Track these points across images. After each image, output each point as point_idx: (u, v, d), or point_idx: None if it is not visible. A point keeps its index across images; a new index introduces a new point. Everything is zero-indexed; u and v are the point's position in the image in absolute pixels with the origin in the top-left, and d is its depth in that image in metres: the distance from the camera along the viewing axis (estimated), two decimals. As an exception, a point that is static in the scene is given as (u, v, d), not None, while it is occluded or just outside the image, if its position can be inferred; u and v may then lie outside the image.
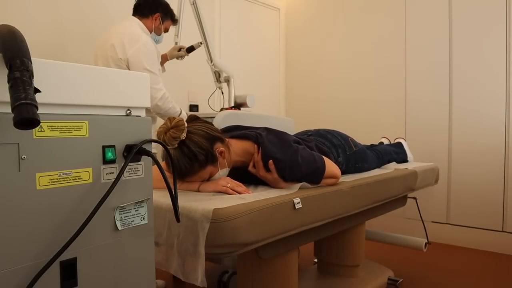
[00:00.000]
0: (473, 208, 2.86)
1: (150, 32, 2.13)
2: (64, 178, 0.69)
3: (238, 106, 2.63)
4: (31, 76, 0.60)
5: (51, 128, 0.68)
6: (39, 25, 2.17)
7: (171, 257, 1.09)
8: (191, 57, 3.06)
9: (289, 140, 1.44)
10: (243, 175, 1.44)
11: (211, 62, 2.55)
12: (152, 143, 0.84)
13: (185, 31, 3.01)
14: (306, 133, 1.83)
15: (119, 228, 0.78)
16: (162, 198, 1.13)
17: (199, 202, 1.09)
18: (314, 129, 1.87)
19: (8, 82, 0.59)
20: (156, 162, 0.81)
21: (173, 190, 0.84)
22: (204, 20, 2.45)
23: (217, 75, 2.63)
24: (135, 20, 2.10)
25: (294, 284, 1.41)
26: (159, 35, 2.18)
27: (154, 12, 2.13)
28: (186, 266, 1.05)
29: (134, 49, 1.93)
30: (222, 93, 2.71)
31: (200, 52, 2.54)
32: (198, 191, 1.32)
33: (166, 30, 2.23)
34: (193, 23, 2.45)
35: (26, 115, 0.56)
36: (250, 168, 1.43)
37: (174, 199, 0.84)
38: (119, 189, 0.77)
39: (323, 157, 1.44)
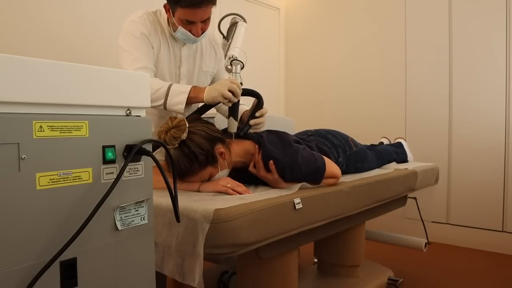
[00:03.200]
0: (473, 208, 2.86)
1: (173, 29, 1.62)
2: (64, 178, 0.69)
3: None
4: None
5: (51, 128, 0.67)
6: (41, 25, 2.17)
7: (167, 258, 1.08)
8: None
9: (290, 140, 1.44)
10: (244, 175, 1.43)
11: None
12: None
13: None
14: (306, 133, 1.83)
15: (119, 228, 0.78)
16: (162, 198, 1.13)
17: (200, 203, 1.09)
18: (314, 129, 1.87)
19: None
20: (156, 162, 0.81)
21: (173, 190, 0.84)
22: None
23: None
24: (153, 9, 1.68)
25: (294, 284, 1.41)
26: (175, 31, 1.59)
27: (166, 3, 1.59)
28: (185, 266, 1.04)
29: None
30: None
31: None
32: (199, 191, 1.32)
33: (191, 22, 1.55)
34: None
35: None
36: (251, 168, 1.43)
37: (174, 199, 0.84)
38: (119, 189, 0.77)
39: (324, 157, 1.44)
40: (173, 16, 1.56)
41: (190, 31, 1.58)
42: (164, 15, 1.66)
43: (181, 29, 1.57)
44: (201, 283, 1.00)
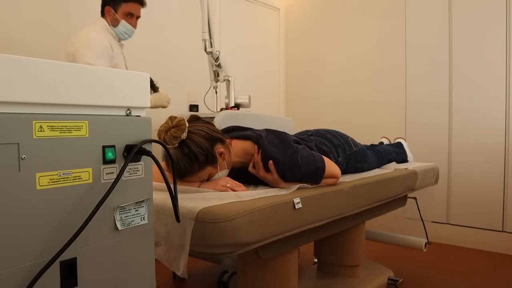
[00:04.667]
0: (473, 208, 2.86)
1: (115, 27, 2.06)
2: (64, 178, 0.69)
3: (237, 106, 2.62)
4: None
5: (51, 128, 0.68)
6: (40, 25, 2.17)
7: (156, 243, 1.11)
8: (191, 58, 3.07)
9: (289, 140, 1.44)
10: (243, 175, 1.44)
11: (216, 60, 2.42)
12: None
13: (189, 26, 3.01)
14: (306, 133, 1.83)
15: (119, 228, 0.78)
16: (157, 193, 1.13)
17: (195, 200, 1.10)
18: (314, 129, 1.87)
19: None
20: (156, 162, 0.81)
21: (173, 190, 0.84)
22: (210, 14, 2.36)
23: (216, 74, 2.61)
24: (100, 22, 2.07)
25: (294, 284, 1.41)
26: (116, 26, 2.04)
27: (104, 6, 2.05)
28: (171, 255, 1.08)
29: (79, 44, 1.94)
30: (216, 92, 2.69)
31: (200, 52, 2.54)
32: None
33: (132, 15, 2.06)
34: (197, 17, 2.44)
35: None
36: (250, 168, 1.43)
37: (174, 199, 0.84)
38: (119, 189, 0.77)
39: (323, 157, 1.44)
40: (116, 13, 2.01)
41: (130, 25, 2.05)
42: (108, 22, 2.05)
43: (123, 22, 2.02)
44: (185, 273, 1.04)
